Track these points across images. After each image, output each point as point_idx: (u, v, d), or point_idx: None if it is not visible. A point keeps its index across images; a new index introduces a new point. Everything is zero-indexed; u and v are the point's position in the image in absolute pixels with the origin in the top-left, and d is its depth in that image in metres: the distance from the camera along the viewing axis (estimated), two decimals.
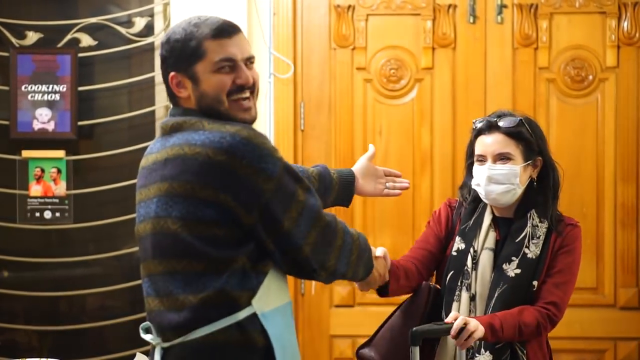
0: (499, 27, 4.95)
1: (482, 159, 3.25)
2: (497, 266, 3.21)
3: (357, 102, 4.99)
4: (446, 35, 4.95)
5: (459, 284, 3.23)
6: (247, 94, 2.73)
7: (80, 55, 4.92)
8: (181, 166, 2.60)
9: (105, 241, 4.92)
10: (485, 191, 3.22)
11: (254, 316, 2.62)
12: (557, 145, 4.91)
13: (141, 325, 2.74)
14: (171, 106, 2.76)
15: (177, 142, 2.64)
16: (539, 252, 3.21)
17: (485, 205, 3.31)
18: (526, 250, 3.21)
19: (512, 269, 3.18)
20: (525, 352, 3.21)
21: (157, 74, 4.91)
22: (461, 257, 3.25)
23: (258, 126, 4.83)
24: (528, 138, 3.24)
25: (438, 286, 3.32)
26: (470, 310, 3.19)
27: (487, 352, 3.16)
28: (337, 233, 2.72)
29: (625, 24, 4.91)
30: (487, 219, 3.29)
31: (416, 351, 2.97)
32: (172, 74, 2.71)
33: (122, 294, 4.91)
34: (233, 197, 2.57)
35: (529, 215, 3.25)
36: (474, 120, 3.32)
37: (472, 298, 3.21)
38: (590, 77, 4.93)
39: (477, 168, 3.26)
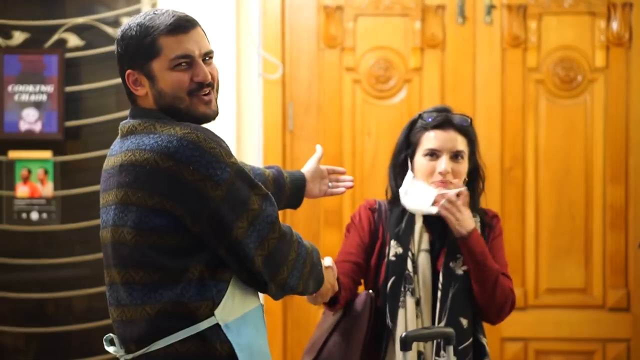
0: (487, 28, 4.95)
1: (436, 154, 3.20)
2: (443, 265, 3.18)
3: (346, 102, 4.98)
4: (435, 36, 4.94)
5: (402, 289, 3.15)
6: (207, 91, 2.64)
7: (67, 55, 4.90)
8: (133, 174, 2.53)
9: (93, 242, 4.90)
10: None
11: (216, 327, 2.56)
12: (545, 146, 4.92)
13: (105, 337, 2.69)
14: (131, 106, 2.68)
15: (131, 146, 2.57)
16: None
17: None
18: None
19: (459, 267, 3.16)
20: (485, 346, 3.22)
21: None
22: (400, 262, 3.19)
23: (247, 127, 4.86)
24: (474, 139, 3.28)
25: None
26: (417, 315, 3.14)
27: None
28: (292, 245, 2.64)
29: (614, 25, 4.91)
30: (419, 220, 3.23)
31: (408, 356, 2.93)
32: (128, 71, 2.62)
33: None
34: (179, 205, 2.50)
35: None
36: (422, 113, 3.27)
37: (417, 302, 3.15)
38: (580, 78, 4.93)
39: (429, 164, 3.20)
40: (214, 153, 2.50)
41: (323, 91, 4.99)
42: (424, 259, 3.18)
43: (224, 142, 2.56)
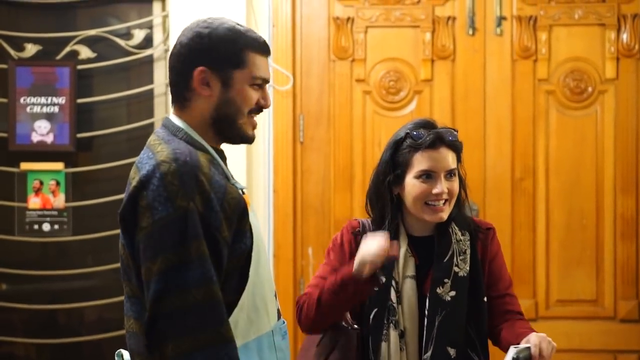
0: (498, 39, 4.95)
1: (431, 175, 3.00)
2: (430, 292, 2.99)
3: (357, 114, 4.99)
4: (445, 47, 4.95)
5: (385, 321, 2.98)
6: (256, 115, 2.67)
7: (79, 67, 4.92)
8: (127, 190, 2.55)
9: (104, 253, 4.91)
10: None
11: None
12: (556, 157, 4.92)
13: (116, 352, 2.68)
14: (171, 113, 2.67)
15: (137, 160, 2.57)
16: (469, 268, 3.03)
17: (398, 227, 3.06)
18: (456, 269, 3.01)
19: (446, 292, 2.98)
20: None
21: (156, 85, 4.91)
22: (383, 292, 2.99)
23: (257, 138, 4.82)
24: (461, 153, 3.09)
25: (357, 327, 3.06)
26: (400, 349, 2.97)
27: None
28: (199, 342, 2.41)
29: (624, 36, 4.91)
30: (403, 243, 3.04)
31: None
32: (200, 68, 2.58)
33: (121, 307, 4.84)
34: (128, 227, 2.50)
35: (450, 230, 3.06)
36: (408, 132, 3.06)
37: (402, 335, 2.98)
38: (590, 89, 4.93)
39: (423, 185, 3.00)
40: (169, 189, 2.44)
41: (333, 102, 5.00)
42: (409, 286, 3.01)
43: (198, 182, 2.48)
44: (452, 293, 2.99)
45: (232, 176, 2.69)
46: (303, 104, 4.99)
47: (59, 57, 4.94)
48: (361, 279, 2.83)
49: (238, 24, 2.64)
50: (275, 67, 4.91)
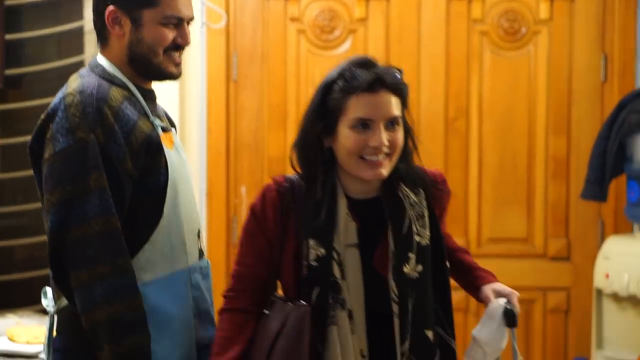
0: None
1: (368, 124, 2.53)
2: (394, 272, 2.55)
3: (291, 52, 4.96)
4: None
5: (330, 301, 2.51)
6: (179, 53, 2.69)
7: (7, 3, 4.82)
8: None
9: (35, 191, 4.83)
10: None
11: None
12: (489, 98, 4.94)
13: (42, 290, 2.75)
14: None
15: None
16: (429, 234, 2.62)
17: (335, 187, 2.58)
18: (417, 239, 2.58)
19: (412, 269, 2.56)
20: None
21: (87, 22, 4.83)
22: (325, 266, 2.52)
23: (190, 77, 4.82)
24: (406, 96, 2.61)
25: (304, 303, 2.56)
26: (352, 331, 2.53)
27: None
28: (98, 267, 2.45)
29: None
30: (342, 206, 2.57)
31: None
32: (111, 7, 2.60)
33: None
34: (37, 159, 2.56)
35: (400, 193, 2.61)
36: (342, 71, 2.61)
37: (350, 315, 2.53)
38: (524, 30, 4.94)
39: (358, 137, 2.53)
40: (71, 121, 2.48)
41: (267, 41, 4.96)
42: (351, 257, 2.56)
43: (102, 114, 2.50)
44: (419, 268, 2.59)
45: (160, 115, 2.70)
46: (237, 42, 4.95)
47: None
48: None
49: None
50: (208, 5, 4.85)
